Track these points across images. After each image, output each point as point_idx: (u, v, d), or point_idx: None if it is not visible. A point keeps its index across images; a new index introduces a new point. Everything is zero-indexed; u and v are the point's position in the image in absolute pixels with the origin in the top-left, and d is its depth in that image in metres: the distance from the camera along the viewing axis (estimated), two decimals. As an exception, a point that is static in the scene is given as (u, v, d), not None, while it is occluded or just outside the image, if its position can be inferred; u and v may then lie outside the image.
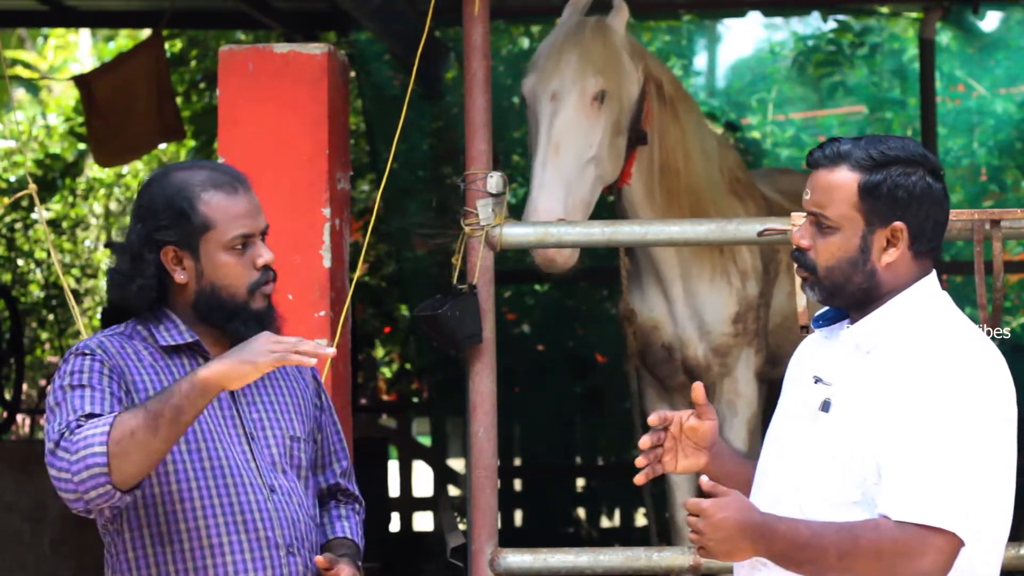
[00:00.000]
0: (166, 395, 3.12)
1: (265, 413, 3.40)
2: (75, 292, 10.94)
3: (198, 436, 3.28)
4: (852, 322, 3.12)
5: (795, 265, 3.20)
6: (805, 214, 3.17)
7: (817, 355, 3.18)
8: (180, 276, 3.31)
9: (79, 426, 3.12)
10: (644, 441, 3.20)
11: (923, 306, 3.07)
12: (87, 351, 3.27)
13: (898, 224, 3.04)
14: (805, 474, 3.05)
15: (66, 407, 3.18)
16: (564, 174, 5.06)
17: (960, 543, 2.90)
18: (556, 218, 4.94)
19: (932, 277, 3.12)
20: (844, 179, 3.07)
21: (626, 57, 5.34)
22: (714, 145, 5.86)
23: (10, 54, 13.71)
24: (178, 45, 10.49)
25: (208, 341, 3.35)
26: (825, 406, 3.06)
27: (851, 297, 3.10)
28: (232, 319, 3.31)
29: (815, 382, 3.11)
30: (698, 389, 3.19)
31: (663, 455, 3.22)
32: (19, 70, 14.06)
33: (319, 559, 3.31)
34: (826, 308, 3.21)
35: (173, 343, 3.32)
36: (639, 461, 3.21)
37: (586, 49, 5.22)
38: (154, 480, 3.23)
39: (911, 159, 3.06)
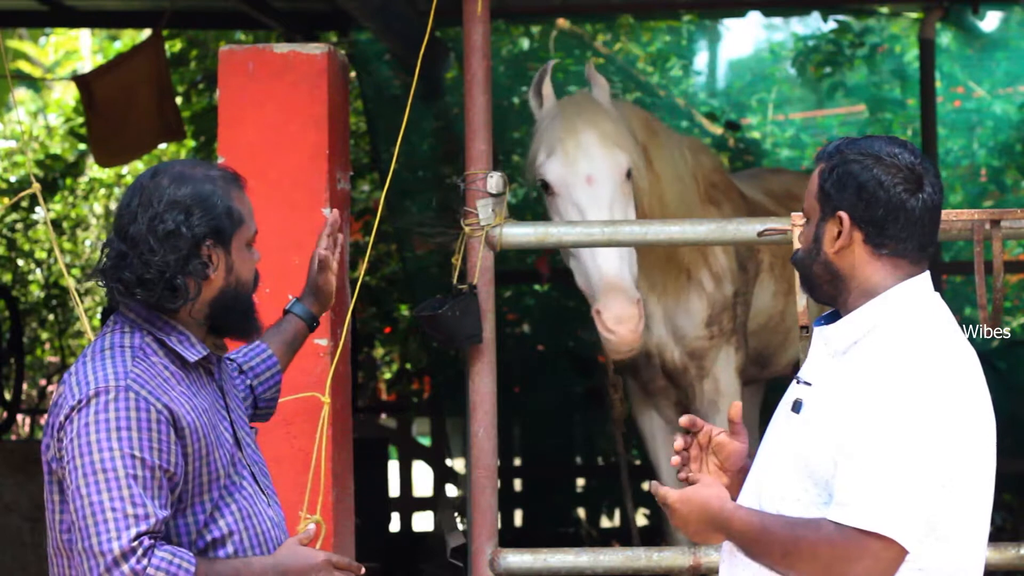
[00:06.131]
0: None
1: (239, 413, 3.45)
2: (76, 292, 10.93)
3: (226, 459, 3.29)
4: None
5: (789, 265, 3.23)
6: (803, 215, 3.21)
7: (809, 355, 3.20)
8: (212, 272, 3.27)
9: (151, 548, 3.09)
10: (677, 443, 3.22)
11: (902, 310, 3.07)
12: (129, 390, 3.15)
13: (841, 212, 3.07)
14: (780, 474, 3.07)
15: (123, 498, 3.10)
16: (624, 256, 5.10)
17: (902, 550, 2.89)
18: (636, 299, 4.96)
19: (919, 280, 3.11)
20: (816, 171, 3.14)
21: (626, 127, 5.36)
22: (686, 158, 5.82)
23: (13, 45, 13.72)
24: (178, 45, 10.49)
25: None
26: (796, 407, 3.08)
27: (820, 288, 3.15)
28: (247, 316, 3.34)
29: (797, 382, 3.14)
30: (735, 408, 3.22)
31: (689, 461, 3.24)
32: (21, 64, 14.06)
33: (314, 528, 3.44)
34: (830, 310, 3.23)
35: (197, 357, 3.29)
36: (674, 460, 3.23)
37: (601, 127, 5.24)
38: (189, 505, 3.23)
39: (872, 154, 3.08)
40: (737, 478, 3.23)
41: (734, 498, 3.13)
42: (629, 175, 5.23)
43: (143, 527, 3.08)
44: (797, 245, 3.18)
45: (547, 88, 5.40)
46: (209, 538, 3.23)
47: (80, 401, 3.14)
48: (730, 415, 3.22)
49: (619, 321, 4.94)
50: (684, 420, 3.23)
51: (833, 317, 3.20)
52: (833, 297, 3.13)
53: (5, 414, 9.22)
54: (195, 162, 3.41)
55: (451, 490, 9.84)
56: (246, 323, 3.35)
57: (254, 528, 3.29)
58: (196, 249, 3.25)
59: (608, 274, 4.99)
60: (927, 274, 3.16)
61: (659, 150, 5.64)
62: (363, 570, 3.36)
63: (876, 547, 2.89)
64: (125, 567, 3.06)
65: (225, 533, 3.25)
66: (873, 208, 3.06)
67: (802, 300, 4.32)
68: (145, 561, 3.07)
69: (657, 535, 7.07)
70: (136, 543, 3.06)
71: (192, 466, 3.20)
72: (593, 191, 5.15)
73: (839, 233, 3.08)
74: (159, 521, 3.10)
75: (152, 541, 3.08)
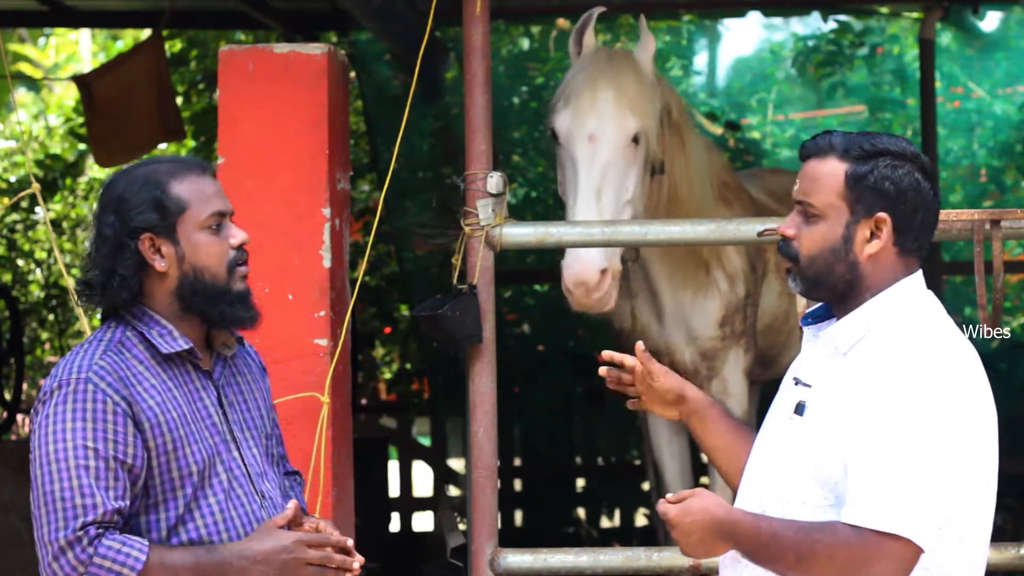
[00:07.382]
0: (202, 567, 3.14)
1: (243, 414, 3.41)
2: (76, 292, 10.91)
3: (203, 455, 3.26)
4: (837, 320, 3.12)
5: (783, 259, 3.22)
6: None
7: (802, 356, 3.18)
8: (160, 264, 3.27)
9: (98, 537, 3.11)
10: (600, 371, 3.36)
11: (902, 308, 3.06)
12: (89, 382, 3.19)
13: (882, 215, 3.05)
14: (783, 477, 3.06)
15: (72, 488, 3.14)
16: (605, 220, 5.03)
17: (918, 550, 2.90)
18: (600, 269, 4.94)
19: (915, 278, 3.11)
20: (832, 168, 3.10)
21: (654, 92, 5.31)
22: (705, 157, 5.81)
23: (13, 47, 13.71)
24: (178, 45, 10.49)
25: (190, 339, 3.33)
26: (799, 408, 3.07)
27: (833, 289, 3.10)
28: (217, 302, 3.30)
29: (795, 383, 3.12)
30: (639, 345, 3.31)
31: (640, 393, 3.34)
32: (22, 66, 14.05)
33: (293, 504, 3.31)
34: (817, 306, 3.22)
35: (174, 350, 3.29)
36: (602, 370, 3.36)
37: (621, 88, 5.17)
38: (161, 501, 3.23)
39: (901, 154, 3.08)
40: (699, 418, 3.32)
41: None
42: (636, 140, 5.19)
43: (90, 517, 3.12)
44: (791, 232, 3.15)
45: (589, 37, 5.33)
46: (185, 538, 3.22)
47: (45, 394, 3.22)
48: (636, 351, 3.30)
49: (577, 284, 4.95)
50: (605, 355, 3.32)
51: (820, 314, 3.19)
52: (842, 296, 3.10)
53: (5, 414, 9.22)
54: (150, 159, 3.44)
55: (451, 490, 9.84)
56: (228, 309, 3.31)
57: (236, 531, 3.26)
58: (124, 246, 3.26)
59: None
60: (920, 271, 3.16)
61: (690, 137, 5.62)
62: (350, 551, 3.31)
63: (893, 548, 2.88)
64: (70, 555, 3.11)
65: (203, 535, 3.23)
66: (913, 211, 3.06)
67: (803, 299, 4.32)
68: (91, 550, 3.11)
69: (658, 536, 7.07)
70: (81, 532, 3.11)
71: (157, 460, 3.20)
72: (592, 150, 5.10)
73: (872, 235, 3.06)
74: (109, 511, 3.13)
75: (100, 531, 3.12)
